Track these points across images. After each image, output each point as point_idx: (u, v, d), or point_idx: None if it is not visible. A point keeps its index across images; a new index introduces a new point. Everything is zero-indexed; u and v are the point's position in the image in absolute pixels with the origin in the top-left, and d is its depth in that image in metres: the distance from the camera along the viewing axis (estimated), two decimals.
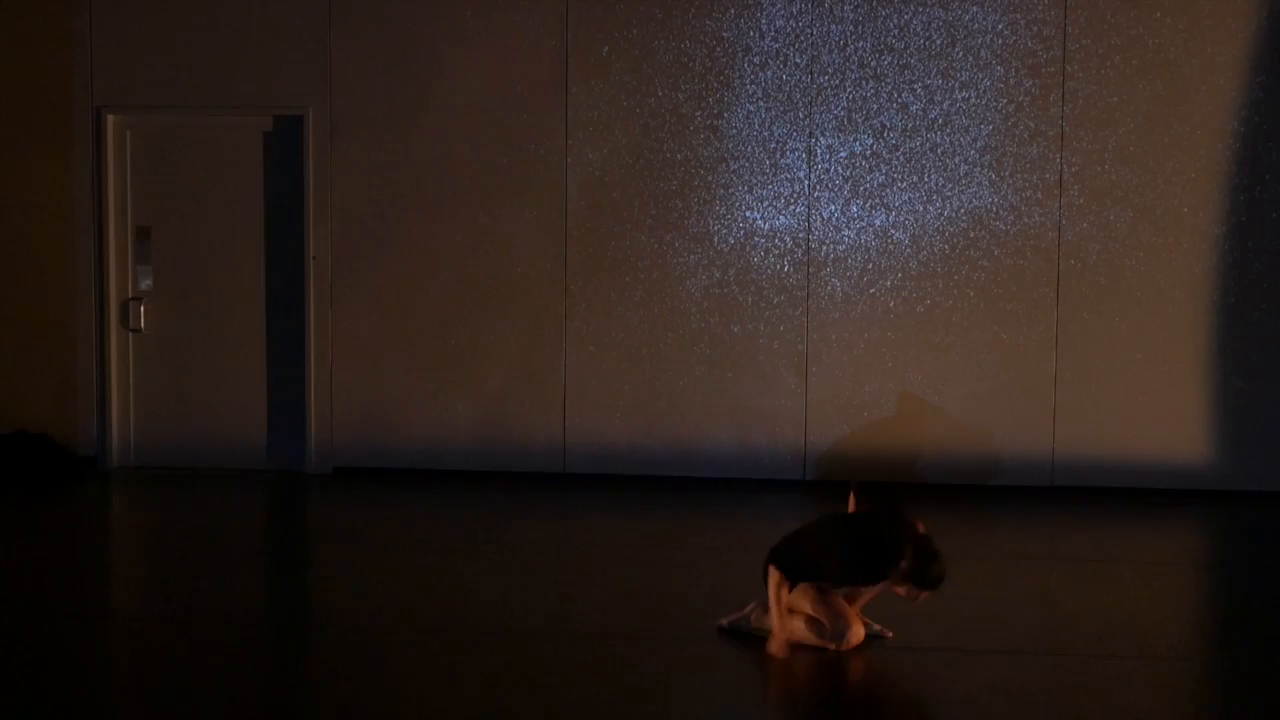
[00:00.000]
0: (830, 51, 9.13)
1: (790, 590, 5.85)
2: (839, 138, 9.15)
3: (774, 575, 5.81)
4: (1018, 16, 9.00)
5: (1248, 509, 8.76)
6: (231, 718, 5.25)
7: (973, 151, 9.08)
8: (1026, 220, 9.06)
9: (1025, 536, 8.15)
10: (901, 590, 5.74)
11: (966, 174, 9.08)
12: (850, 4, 9.11)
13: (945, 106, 9.08)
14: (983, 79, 9.05)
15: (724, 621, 6.16)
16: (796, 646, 5.92)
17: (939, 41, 9.06)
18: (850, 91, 9.13)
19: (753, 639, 6.04)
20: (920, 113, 9.10)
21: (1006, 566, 7.40)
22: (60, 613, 6.51)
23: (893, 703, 5.61)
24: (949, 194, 9.10)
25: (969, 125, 9.07)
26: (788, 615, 5.88)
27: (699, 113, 9.21)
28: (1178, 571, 7.62)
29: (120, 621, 6.58)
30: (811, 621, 5.87)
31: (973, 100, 9.06)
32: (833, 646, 5.83)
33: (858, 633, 5.84)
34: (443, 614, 6.49)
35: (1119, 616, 6.48)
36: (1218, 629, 6.80)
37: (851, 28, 9.11)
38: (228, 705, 5.36)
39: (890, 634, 6.02)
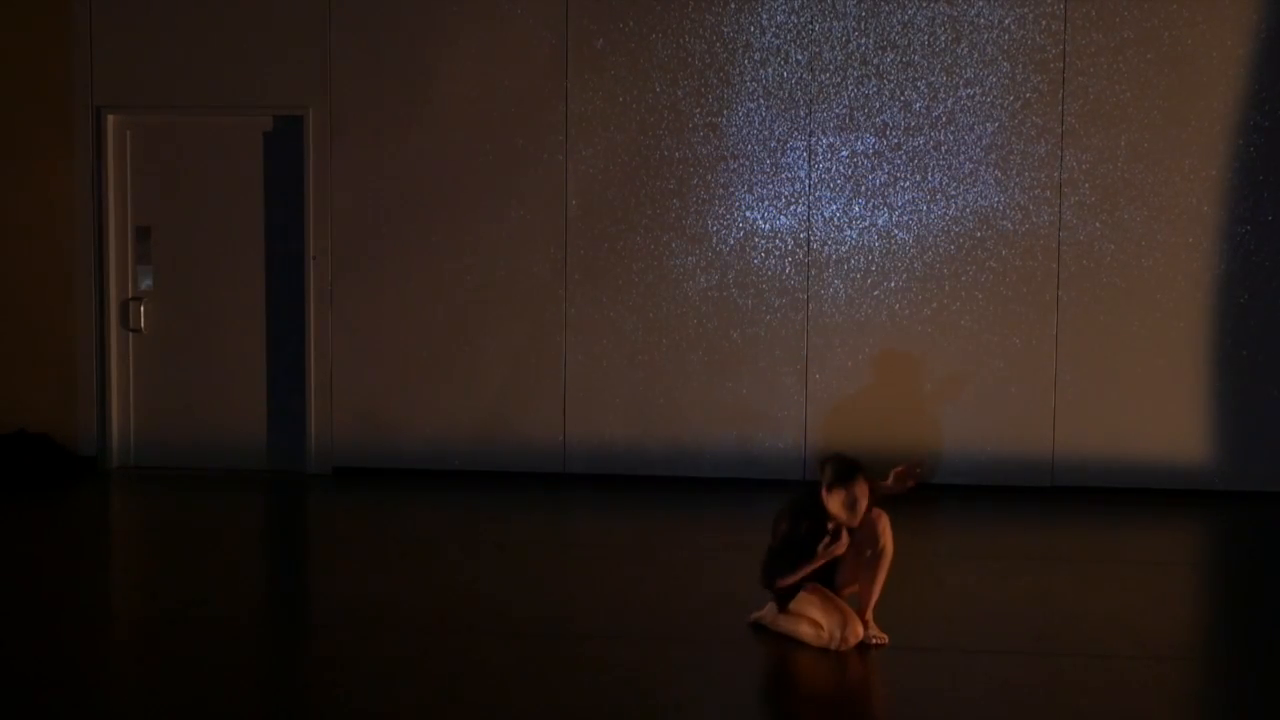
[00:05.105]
0: (832, 48, 9.10)
1: (787, 605, 5.93)
2: (841, 136, 9.13)
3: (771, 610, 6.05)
4: (1024, 11, 8.97)
5: (1248, 509, 8.74)
6: (231, 718, 5.25)
7: (978, 150, 9.05)
8: (1034, 220, 9.02)
9: (1025, 536, 8.13)
10: (856, 495, 5.83)
11: (971, 173, 9.06)
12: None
13: (949, 104, 9.05)
14: (988, 75, 9.02)
15: (752, 618, 6.22)
16: (797, 645, 5.93)
17: (943, 37, 9.04)
18: (852, 89, 9.11)
19: (763, 635, 6.06)
20: (923, 110, 9.07)
21: (1006, 566, 7.39)
22: (60, 612, 6.51)
23: (893, 703, 5.60)
24: (953, 193, 9.07)
25: (974, 123, 9.04)
26: (790, 616, 5.94)
27: (698, 110, 9.19)
28: (1178, 571, 7.61)
29: (120, 621, 6.58)
30: (812, 623, 5.89)
31: (978, 97, 9.03)
32: (832, 647, 5.85)
33: (856, 631, 5.85)
34: (443, 614, 6.48)
35: (1119, 616, 6.47)
36: (1218, 629, 6.79)
37: (854, 24, 9.09)
38: (228, 705, 5.35)
39: (886, 639, 6.01)
